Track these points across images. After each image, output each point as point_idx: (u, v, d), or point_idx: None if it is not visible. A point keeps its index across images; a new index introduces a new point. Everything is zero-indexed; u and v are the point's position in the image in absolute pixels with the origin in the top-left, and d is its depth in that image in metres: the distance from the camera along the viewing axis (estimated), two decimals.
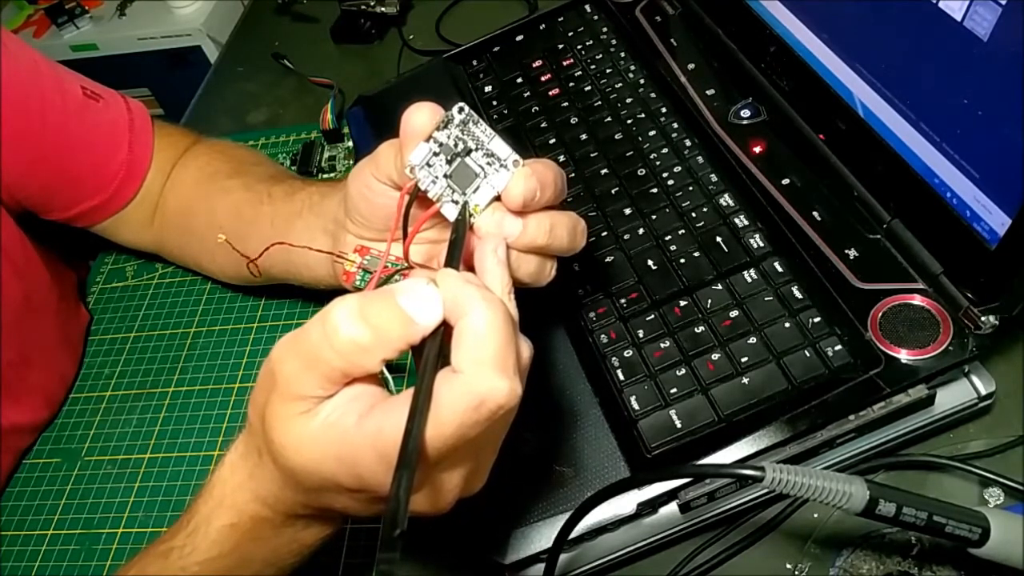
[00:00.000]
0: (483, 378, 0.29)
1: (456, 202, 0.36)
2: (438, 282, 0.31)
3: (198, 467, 0.59)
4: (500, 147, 0.35)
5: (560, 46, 0.68)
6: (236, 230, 0.57)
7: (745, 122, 0.56)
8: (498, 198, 0.35)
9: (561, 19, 0.71)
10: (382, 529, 0.25)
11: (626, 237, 0.53)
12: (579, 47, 0.68)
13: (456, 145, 0.36)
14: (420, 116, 0.36)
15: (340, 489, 0.32)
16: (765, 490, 0.35)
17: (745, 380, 0.45)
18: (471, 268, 0.35)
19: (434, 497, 0.33)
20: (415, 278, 0.31)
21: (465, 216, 0.35)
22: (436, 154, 0.36)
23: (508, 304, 0.33)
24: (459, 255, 0.34)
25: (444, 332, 0.30)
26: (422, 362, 0.30)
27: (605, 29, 0.68)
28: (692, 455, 0.43)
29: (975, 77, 0.40)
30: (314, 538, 0.38)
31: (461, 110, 0.36)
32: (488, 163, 0.35)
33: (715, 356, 0.46)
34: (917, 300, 0.45)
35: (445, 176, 0.36)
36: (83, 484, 0.61)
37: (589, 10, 0.70)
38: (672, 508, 0.44)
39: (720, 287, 0.49)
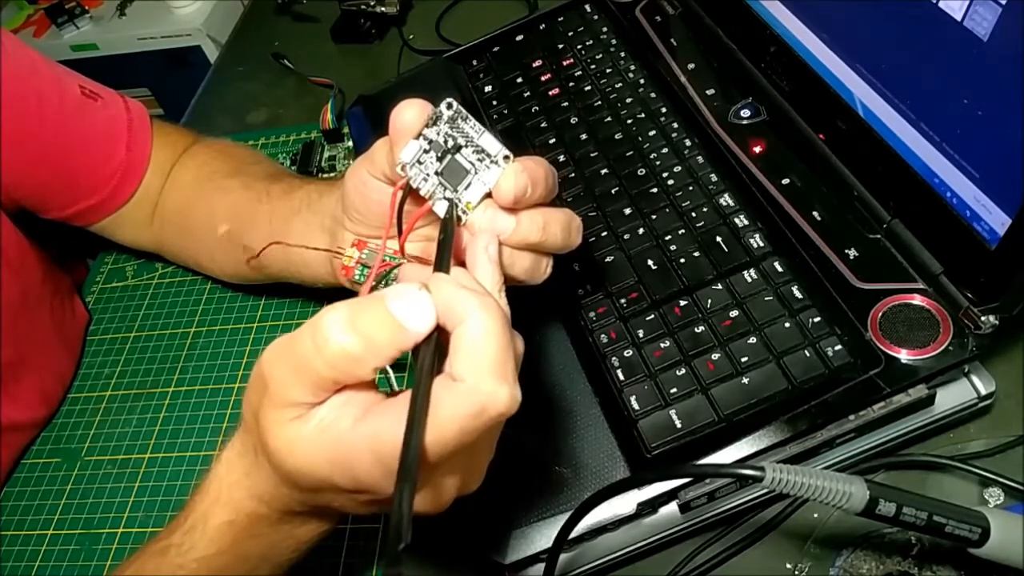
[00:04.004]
0: (484, 386, 0.28)
1: (449, 199, 0.36)
2: (431, 288, 0.30)
3: (198, 467, 0.59)
4: (490, 143, 0.35)
5: (560, 46, 0.68)
6: (235, 228, 0.57)
7: (745, 122, 0.56)
8: (490, 194, 0.35)
9: (561, 19, 0.71)
10: (387, 543, 0.24)
11: (626, 237, 0.53)
12: (579, 47, 0.68)
13: (446, 142, 0.35)
14: (408, 113, 0.36)
15: (337, 490, 0.32)
16: (765, 490, 0.35)
17: (745, 380, 0.45)
18: (463, 264, 0.34)
19: (434, 498, 0.33)
20: (407, 283, 0.30)
21: (452, 216, 0.35)
22: (426, 151, 0.35)
23: (500, 302, 0.32)
24: (448, 256, 0.33)
25: (439, 337, 0.30)
26: (417, 369, 0.29)
27: (605, 29, 0.68)
28: (692, 455, 0.43)
29: (975, 77, 0.40)
30: (311, 535, 0.38)
31: (450, 106, 0.35)
32: (479, 159, 0.35)
33: (715, 356, 0.46)
34: (917, 300, 0.45)
35: (436, 173, 0.35)
36: (83, 484, 0.61)
37: (589, 10, 0.70)
38: (672, 508, 0.44)
39: (720, 287, 0.49)
